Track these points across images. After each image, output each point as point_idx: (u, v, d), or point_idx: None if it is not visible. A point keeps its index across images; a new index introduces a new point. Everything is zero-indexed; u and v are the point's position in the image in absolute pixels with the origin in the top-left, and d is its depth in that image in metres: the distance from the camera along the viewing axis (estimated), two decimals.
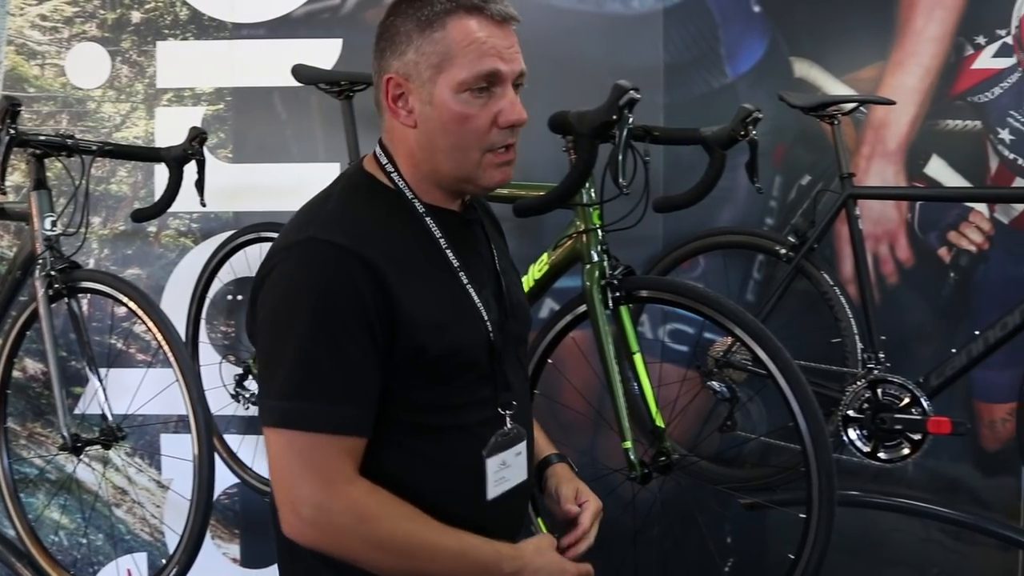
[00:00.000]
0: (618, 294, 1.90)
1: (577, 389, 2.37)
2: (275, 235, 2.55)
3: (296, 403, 1.23)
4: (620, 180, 1.67)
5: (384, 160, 1.35)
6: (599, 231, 1.94)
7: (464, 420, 1.34)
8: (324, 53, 2.74)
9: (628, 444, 1.87)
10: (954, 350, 2.45)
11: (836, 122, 2.52)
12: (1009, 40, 2.92)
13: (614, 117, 1.69)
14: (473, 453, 1.34)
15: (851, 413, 2.47)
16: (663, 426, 1.92)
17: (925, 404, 2.40)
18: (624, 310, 1.93)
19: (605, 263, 1.92)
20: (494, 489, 1.35)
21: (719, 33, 2.83)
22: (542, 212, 1.82)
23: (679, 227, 2.70)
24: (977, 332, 2.43)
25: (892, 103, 2.70)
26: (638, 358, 1.92)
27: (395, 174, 1.34)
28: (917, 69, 2.90)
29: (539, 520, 2.13)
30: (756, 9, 2.85)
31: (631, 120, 1.73)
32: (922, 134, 2.92)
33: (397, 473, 1.28)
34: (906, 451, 2.43)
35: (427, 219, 1.34)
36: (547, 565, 1.34)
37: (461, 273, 1.35)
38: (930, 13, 2.89)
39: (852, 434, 2.48)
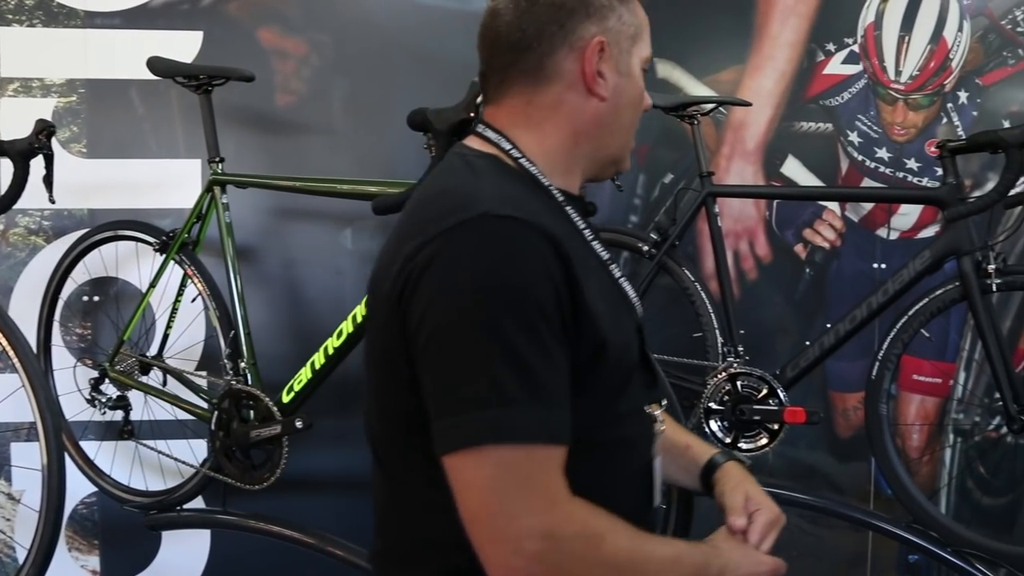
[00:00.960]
0: None
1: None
2: (135, 233, 2.51)
3: (506, 412, 1.00)
4: None
5: (508, 146, 1.17)
6: None
7: (628, 431, 1.19)
8: (184, 46, 2.67)
9: None
10: (808, 343, 2.54)
11: (696, 122, 2.58)
12: (856, 48, 3.05)
13: (471, 114, 1.69)
14: (640, 461, 1.21)
15: (712, 405, 2.54)
16: None
17: (781, 395, 2.49)
18: None
19: None
20: (657, 492, 1.24)
21: None
22: (401, 209, 1.80)
23: None
24: (829, 325, 2.53)
25: (749, 104, 2.79)
26: None
27: (524, 159, 1.17)
28: (773, 73, 3.01)
29: None
30: None
31: None
32: (778, 135, 3.03)
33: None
34: (764, 441, 2.51)
35: (567, 207, 1.18)
36: (744, 557, 1.19)
37: (612, 265, 1.22)
38: (785, 20, 3.01)
39: (713, 425, 2.55)
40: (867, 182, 3.09)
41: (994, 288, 2.28)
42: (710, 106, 2.64)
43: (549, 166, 1.19)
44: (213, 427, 2.25)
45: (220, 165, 2.37)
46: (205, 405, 2.31)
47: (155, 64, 2.40)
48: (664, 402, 1.26)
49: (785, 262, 3.06)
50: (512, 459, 1.01)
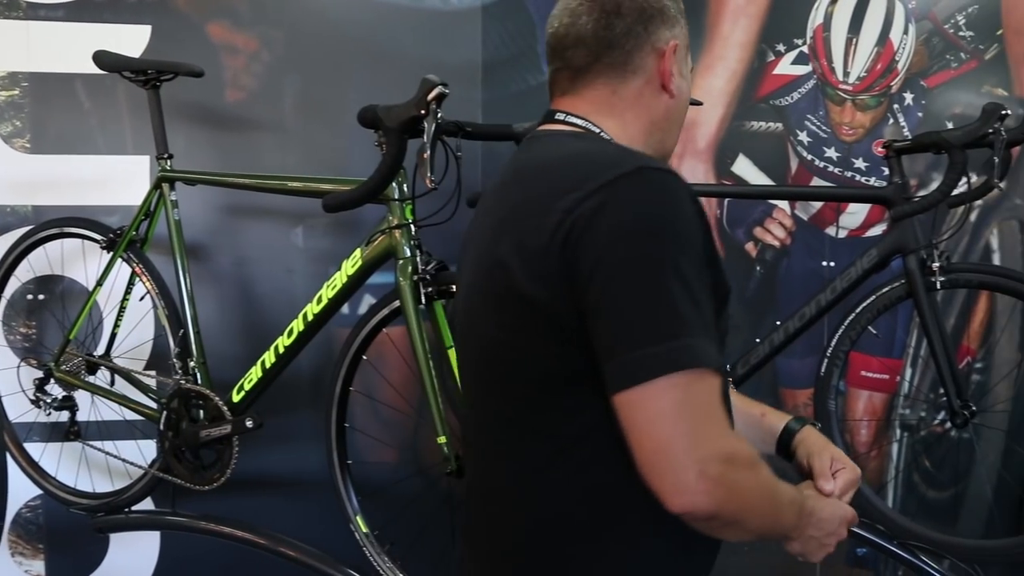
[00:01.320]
0: (430, 289, 1.90)
1: (393, 386, 2.36)
2: (81, 230, 2.46)
3: (694, 341, 1.05)
4: (428, 175, 1.67)
5: (597, 130, 1.27)
6: (412, 226, 1.93)
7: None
8: (131, 40, 2.62)
9: (443, 439, 1.87)
10: (758, 340, 2.57)
11: None
12: (805, 49, 3.09)
13: (422, 112, 1.68)
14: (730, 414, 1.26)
15: None
16: None
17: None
18: (438, 305, 1.93)
19: (418, 259, 1.92)
20: None
21: (536, 31, 2.86)
22: (351, 207, 1.80)
23: None
24: (779, 323, 2.56)
25: (700, 104, 2.80)
26: (452, 353, 1.92)
27: (613, 140, 1.26)
28: (724, 72, 3.04)
29: None
30: None
31: (440, 115, 1.73)
32: (729, 134, 3.06)
33: None
34: None
35: None
36: (827, 504, 1.26)
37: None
38: (735, 20, 3.03)
39: None
40: (816, 181, 3.13)
41: (938, 286, 2.32)
42: None
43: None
44: (162, 427, 2.22)
45: (169, 161, 2.34)
46: (154, 405, 2.27)
47: (101, 58, 2.36)
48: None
49: (736, 260, 3.09)
50: (699, 385, 1.06)
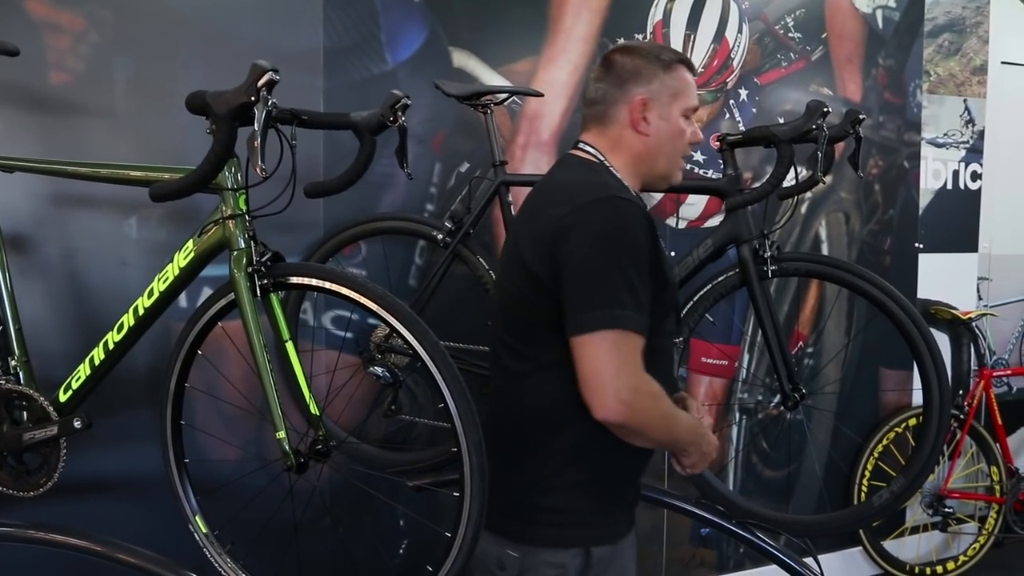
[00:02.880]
0: (265, 281, 1.84)
1: (231, 381, 2.29)
2: None
3: (623, 311, 1.63)
4: (260, 164, 1.61)
5: (607, 163, 1.84)
6: (246, 216, 1.87)
7: (667, 343, 1.85)
8: None
9: (281, 434, 1.82)
10: None
11: (489, 111, 2.60)
12: None
13: (252, 98, 1.62)
14: (670, 365, 1.90)
15: None
16: (318, 413, 1.89)
17: None
18: (274, 297, 1.88)
19: (252, 249, 1.86)
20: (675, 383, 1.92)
21: (379, 20, 2.83)
22: (179, 196, 1.72)
23: (340, 213, 2.69)
24: None
25: (541, 95, 2.84)
26: (289, 346, 1.88)
27: (614, 169, 1.84)
28: (567, 65, 3.08)
29: None
30: None
31: (272, 102, 1.68)
32: (572, 126, 3.10)
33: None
34: None
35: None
36: (709, 432, 1.86)
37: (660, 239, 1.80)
38: (578, 14, 3.08)
39: None
40: None
41: (770, 274, 2.42)
42: (503, 96, 2.65)
43: (625, 176, 1.85)
44: None
45: None
46: None
47: None
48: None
49: None
50: (622, 340, 1.63)
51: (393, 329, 1.79)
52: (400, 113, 1.94)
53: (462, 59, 2.95)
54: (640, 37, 3.16)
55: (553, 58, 3.07)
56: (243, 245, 1.86)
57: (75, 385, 2.04)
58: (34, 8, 2.54)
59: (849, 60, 3.54)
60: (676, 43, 3.20)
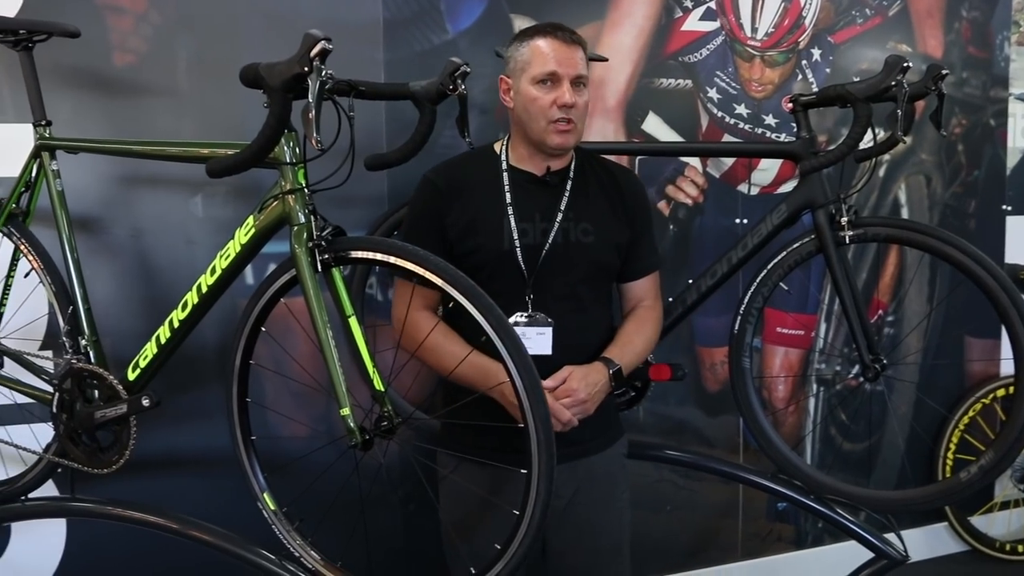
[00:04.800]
0: (326, 256, 1.81)
1: (294, 357, 2.28)
2: None
3: None
4: (315, 137, 1.58)
5: (504, 136, 2.18)
6: (305, 191, 1.84)
7: (494, 288, 1.85)
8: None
9: (346, 411, 1.79)
10: (671, 299, 2.54)
11: None
12: (713, 5, 3.06)
13: (305, 69, 1.59)
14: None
15: None
16: (382, 389, 1.86)
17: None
18: (336, 272, 1.85)
19: (312, 224, 1.83)
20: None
21: None
22: (235, 172, 1.70)
23: (405, 186, 2.65)
24: (691, 281, 2.54)
25: (604, 59, 2.76)
26: (352, 321, 1.85)
27: (504, 148, 2.15)
28: (632, 29, 3.00)
29: None
30: None
31: (326, 72, 1.64)
32: (639, 91, 3.02)
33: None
34: (631, 396, 2.50)
35: (504, 173, 2.12)
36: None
37: (509, 206, 2.08)
38: None
39: None
40: (727, 138, 3.12)
41: (847, 240, 2.31)
42: None
43: (513, 151, 2.15)
44: (55, 409, 2.11)
45: (47, 129, 2.20)
46: (47, 387, 2.15)
47: None
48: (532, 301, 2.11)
49: None
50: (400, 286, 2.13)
51: (456, 302, 1.75)
52: (460, 81, 1.90)
53: (524, 26, 2.88)
54: None
55: (618, 22, 2.99)
56: (303, 220, 1.83)
57: (143, 364, 2.05)
58: None
59: (929, 14, 3.37)
60: (745, 3, 3.09)
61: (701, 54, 3.07)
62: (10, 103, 2.50)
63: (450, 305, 1.76)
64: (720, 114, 3.10)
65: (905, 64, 2.14)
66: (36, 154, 2.20)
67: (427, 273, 1.77)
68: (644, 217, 2.23)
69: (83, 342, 2.11)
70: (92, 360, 2.12)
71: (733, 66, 3.09)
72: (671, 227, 3.09)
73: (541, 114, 2.03)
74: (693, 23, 3.06)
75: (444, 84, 1.89)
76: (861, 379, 2.46)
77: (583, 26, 2.95)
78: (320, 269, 1.83)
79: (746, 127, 3.11)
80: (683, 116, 3.07)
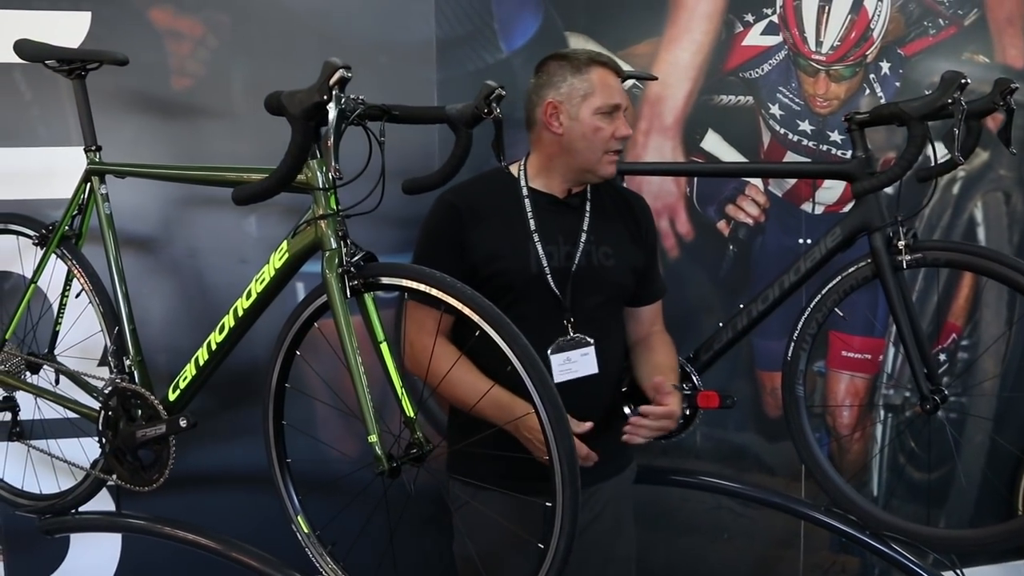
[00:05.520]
0: (356, 282, 1.81)
1: (327, 383, 2.28)
2: (13, 226, 2.39)
3: None
4: (334, 165, 1.58)
5: (522, 160, 2.17)
6: (337, 216, 1.84)
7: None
8: (71, 27, 2.53)
9: (373, 438, 1.78)
10: (721, 324, 2.47)
11: None
12: (775, 19, 2.98)
13: (324, 97, 1.58)
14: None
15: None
16: (413, 416, 1.85)
17: (695, 379, 2.42)
18: (368, 298, 1.85)
19: (344, 250, 1.83)
20: (559, 376, 2.04)
21: (492, 8, 2.77)
22: (262, 199, 1.71)
23: None
24: (742, 305, 2.46)
25: (654, 78, 2.71)
26: (384, 347, 1.84)
27: (515, 166, 2.16)
28: (691, 45, 2.93)
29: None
30: None
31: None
32: (697, 109, 2.95)
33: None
34: (680, 424, 2.43)
35: (526, 199, 2.11)
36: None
37: (534, 231, 2.09)
38: None
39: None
40: (790, 155, 3.02)
41: (904, 265, 2.21)
42: None
43: (534, 173, 2.15)
44: (101, 427, 2.15)
45: (97, 154, 2.26)
46: (95, 405, 2.20)
47: (23, 47, 2.27)
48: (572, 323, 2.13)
49: (707, 239, 2.99)
50: (413, 310, 2.11)
51: (482, 331, 1.72)
52: (495, 104, 1.87)
53: (579, 44, 2.85)
54: (768, 12, 2.96)
55: (676, 38, 2.92)
56: (335, 245, 1.83)
57: (182, 384, 2.08)
58: (157, 17, 2.61)
59: (1010, 22, 3.21)
60: (809, 16, 2.99)
61: (763, 69, 2.99)
62: (72, 127, 2.57)
63: (476, 334, 1.73)
64: (783, 131, 3.01)
65: (963, 80, 2.03)
66: (86, 178, 2.26)
67: (456, 302, 1.75)
68: (655, 242, 2.31)
69: (127, 362, 2.15)
70: (137, 380, 2.16)
71: (796, 81, 3.00)
72: (731, 247, 3.01)
73: (602, 144, 2.07)
74: (754, 38, 2.98)
75: (479, 107, 1.87)
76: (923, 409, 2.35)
77: (640, 43, 2.91)
78: (350, 295, 1.82)
79: (810, 144, 3.01)
80: (744, 134, 2.99)
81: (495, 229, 2.08)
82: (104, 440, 2.16)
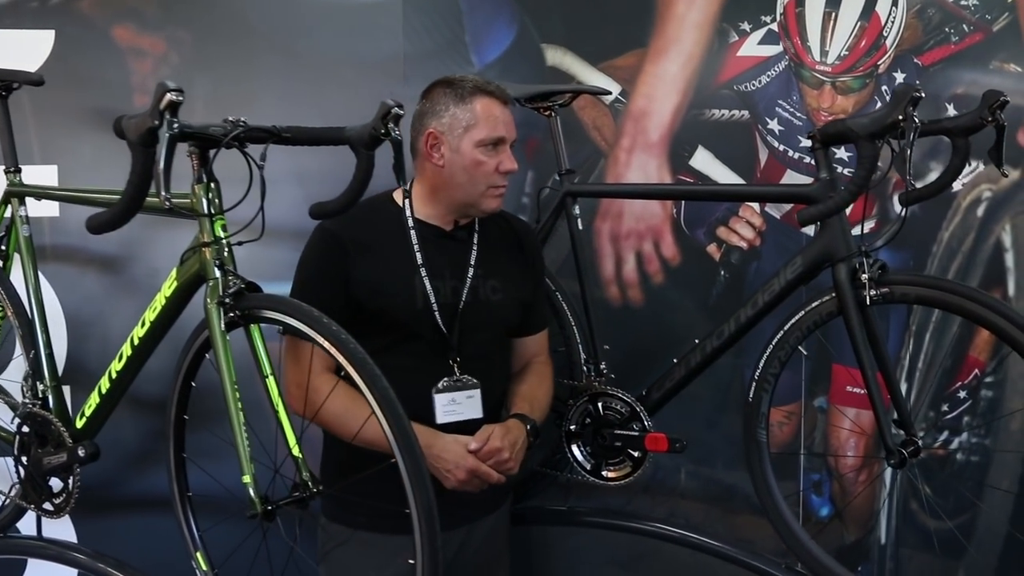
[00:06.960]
0: (233, 314, 1.72)
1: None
2: None
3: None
4: (163, 192, 1.49)
5: (407, 188, 2.01)
6: (223, 243, 1.75)
7: (405, 363, 1.86)
8: (35, 46, 2.54)
9: (247, 479, 1.69)
10: (675, 360, 2.29)
11: (553, 114, 2.35)
12: (774, 27, 2.77)
13: (156, 122, 1.49)
14: (422, 388, 1.93)
15: (573, 428, 2.31)
16: (300, 456, 1.75)
17: (645, 419, 2.25)
18: (255, 330, 1.75)
19: (226, 280, 1.74)
20: (443, 418, 1.96)
21: (463, 19, 2.66)
22: (113, 227, 1.63)
23: None
24: (696, 341, 2.27)
25: (607, 92, 2.54)
26: (270, 382, 1.75)
27: (407, 199, 2.02)
28: (679, 56, 2.75)
29: None
30: None
31: (176, 126, 1.52)
32: (687, 125, 2.77)
33: None
34: (628, 469, 2.27)
35: (412, 230, 1.99)
36: (451, 450, 1.90)
37: (421, 265, 1.97)
38: None
39: (576, 451, 2.33)
40: (789, 174, 2.80)
41: (868, 300, 1.99)
42: (568, 96, 2.39)
43: (419, 203, 2.03)
44: (16, 452, 2.13)
45: (17, 175, 2.24)
46: (11, 429, 2.18)
47: None
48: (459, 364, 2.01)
49: (696, 264, 2.80)
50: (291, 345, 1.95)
51: (345, 370, 1.61)
52: (392, 125, 1.75)
53: (556, 56, 2.72)
54: (766, 20, 2.75)
55: (663, 49, 2.74)
56: (217, 275, 1.75)
57: (88, 412, 2.03)
58: (120, 35, 2.60)
59: None
60: (813, 24, 2.76)
61: (760, 81, 2.77)
62: (36, 147, 2.57)
63: (341, 373, 1.63)
64: (782, 148, 2.79)
65: (915, 94, 1.80)
66: (6, 200, 2.24)
67: (319, 337, 1.65)
68: (541, 271, 2.21)
69: (41, 387, 2.12)
70: (51, 406, 2.12)
71: (798, 94, 2.78)
72: (722, 273, 2.81)
73: (484, 179, 1.96)
74: (751, 48, 2.77)
75: (376, 128, 1.75)
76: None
77: (623, 55, 2.74)
78: (231, 327, 1.73)
79: (812, 162, 2.77)
80: (738, 151, 2.78)
81: (381, 263, 1.97)
82: (18, 465, 2.13)
